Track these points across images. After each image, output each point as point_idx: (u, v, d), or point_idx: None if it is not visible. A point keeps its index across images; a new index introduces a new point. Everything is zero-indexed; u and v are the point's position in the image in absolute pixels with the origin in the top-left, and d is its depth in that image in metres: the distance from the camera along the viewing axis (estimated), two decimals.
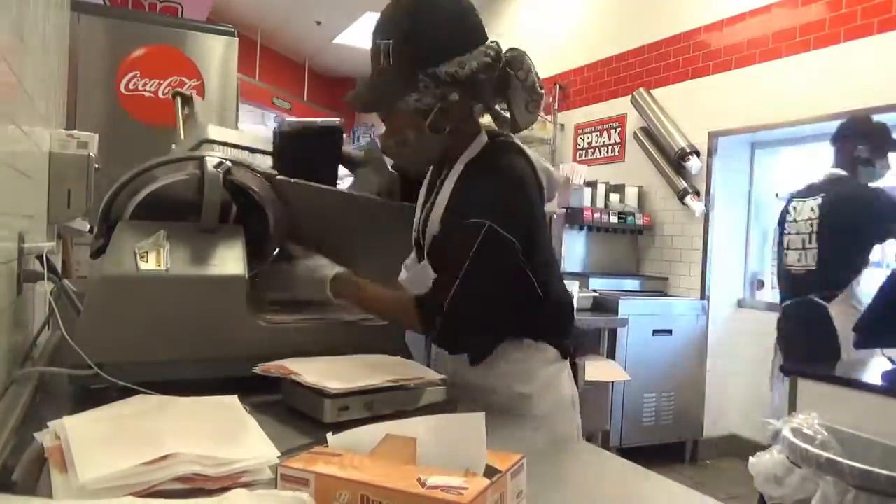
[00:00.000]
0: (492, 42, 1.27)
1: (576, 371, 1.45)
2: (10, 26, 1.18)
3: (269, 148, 1.57)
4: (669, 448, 4.10)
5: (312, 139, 1.55)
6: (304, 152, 1.52)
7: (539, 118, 1.50)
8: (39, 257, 1.34)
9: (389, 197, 1.59)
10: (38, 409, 1.00)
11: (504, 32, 5.99)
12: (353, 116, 10.36)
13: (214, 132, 1.51)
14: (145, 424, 0.77)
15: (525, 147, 1.36)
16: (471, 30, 1.27)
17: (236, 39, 3.48)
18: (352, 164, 1.69)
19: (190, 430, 0.77)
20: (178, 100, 1.90)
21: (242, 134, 1.61)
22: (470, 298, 1.22)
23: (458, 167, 1.32)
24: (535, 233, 1.30)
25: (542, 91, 1.30)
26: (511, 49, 1.29)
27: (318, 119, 1.65)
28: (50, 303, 1.23)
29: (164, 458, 0.71)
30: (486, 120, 1.39)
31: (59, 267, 1.95)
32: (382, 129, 1.36)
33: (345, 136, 1.63)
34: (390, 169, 1.60)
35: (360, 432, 0.75)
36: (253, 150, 1.55)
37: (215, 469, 0.73)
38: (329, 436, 0.75)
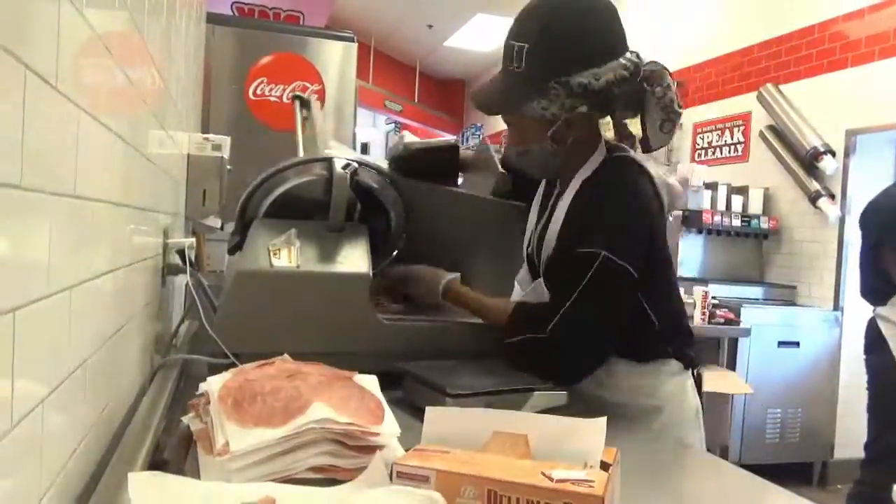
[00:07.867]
0: (632, 53, 1.21)
1: (699, 383, 1.38)
2: (160, 39, 1.27)
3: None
4: (795, 468, 3.82)
5: (432, 159, 1.53)
6: (424, 171, 1.50)
7: None
8: (180, 252, 1.44)
9: (499, 198, 1.55)
10: (183, 394, 1.06)
11: None
12: (463, 118, 10.46)
13: (335, 149, 1.52)
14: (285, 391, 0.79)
15: (644, 162, 1.29)
16: (610, 40, 1.21)
17: (355, 45, 3.60)
18: (462, 167, 1.67)
19: (328, 402, 0.79)
20: (297, 103, 1.93)
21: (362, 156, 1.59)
22: (573, 328, 1.16)
23: (575, 184, 1.26)
24: (654, 256, 1.23)
25: (680, 111, 1.22)
26: (652, 62, 1.23)
27: (434, 140, 1.64)
28: (191, 295, 1.31)
29: (305, 429, 0.73)
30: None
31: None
32: (491, 130, 1.35)
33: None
34: (500, 169, 1.58)
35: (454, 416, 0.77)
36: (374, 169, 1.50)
37: (353, 440, 0.75)
38: (427, 409, 0.77)
